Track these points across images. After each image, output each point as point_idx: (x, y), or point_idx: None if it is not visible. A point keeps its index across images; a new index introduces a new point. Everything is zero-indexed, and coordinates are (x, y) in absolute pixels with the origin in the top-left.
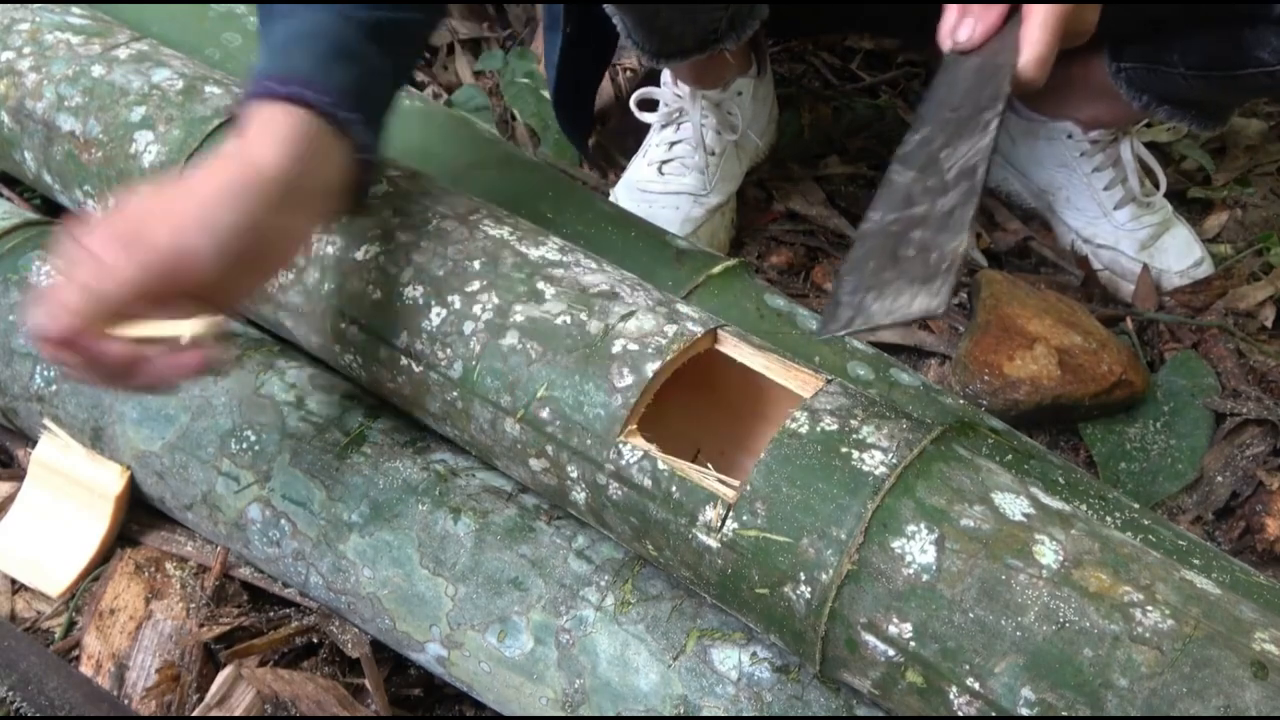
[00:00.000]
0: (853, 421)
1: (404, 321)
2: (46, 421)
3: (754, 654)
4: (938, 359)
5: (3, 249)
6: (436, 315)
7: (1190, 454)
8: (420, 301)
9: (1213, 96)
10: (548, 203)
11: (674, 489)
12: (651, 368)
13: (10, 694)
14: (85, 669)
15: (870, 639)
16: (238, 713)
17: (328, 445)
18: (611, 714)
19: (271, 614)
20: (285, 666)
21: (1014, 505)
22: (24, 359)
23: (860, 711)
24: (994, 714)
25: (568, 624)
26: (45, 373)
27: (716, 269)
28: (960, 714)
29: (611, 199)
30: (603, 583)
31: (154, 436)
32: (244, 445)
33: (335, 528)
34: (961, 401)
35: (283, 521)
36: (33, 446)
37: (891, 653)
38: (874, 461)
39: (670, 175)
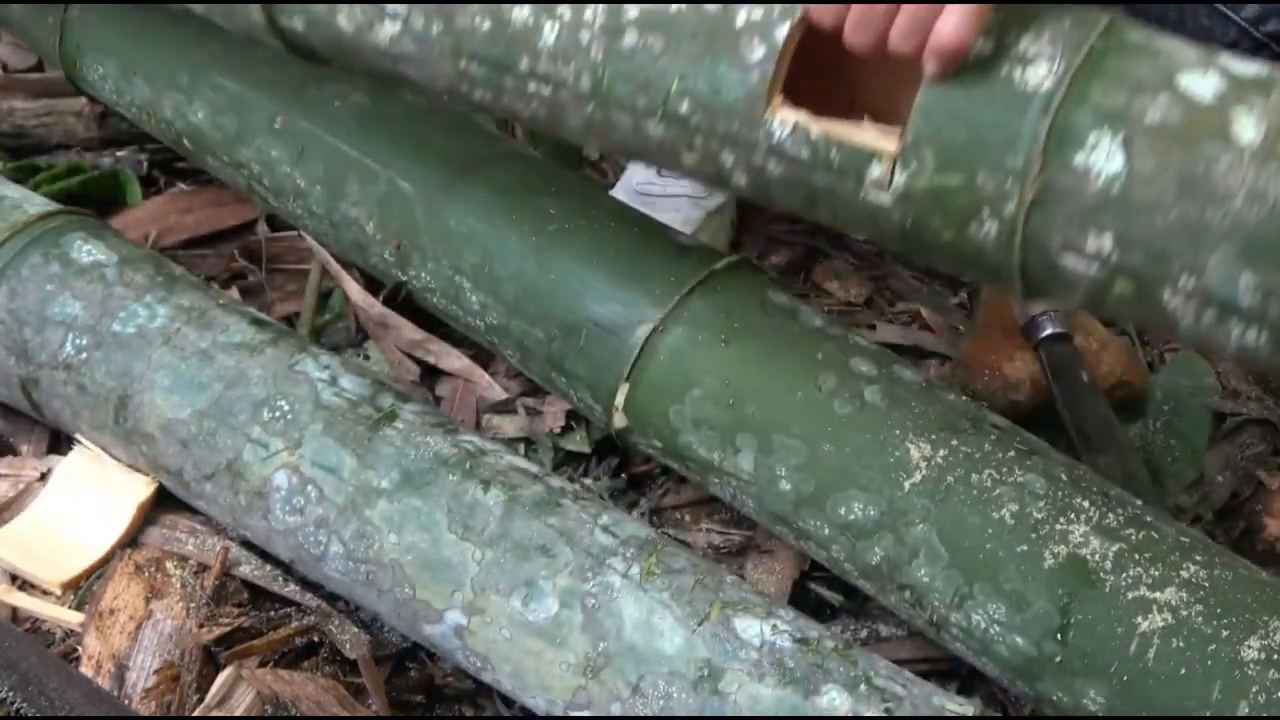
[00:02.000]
0: (1008, 37)
1: (520, 45)
2: (79, 437)
3: (775, 625)
4: (938, 359)
5: (46, 228)
6: (550, 31)
7: (1190, 454)
8: (530, 22)
9: None
10: (550, 198)
11: (833, 153)
12: (781, 32)
13: (10, 694)
14: (85, 669)
15: (1069, 260)
16: (238, 713)
17: (360, 419)
18: (634, 676)
19: (272, 614)
20: (285, 667)
21: (1202, 85)
22: (57, 327)
23: (878, 682)
24: (1216, 307)
25: (594, 589)
26: (77, 340)
27: (719, 264)
28: (1177, 313)
29: None
30: (628, 554)
31: (184, 404)
32: (276, 414)
33: (364, 493)
34: (965, 398)
35: (309, 488)
36: (40, 430)
37: (1094, 269)
38: (1039, 75)
39: (669, 178)
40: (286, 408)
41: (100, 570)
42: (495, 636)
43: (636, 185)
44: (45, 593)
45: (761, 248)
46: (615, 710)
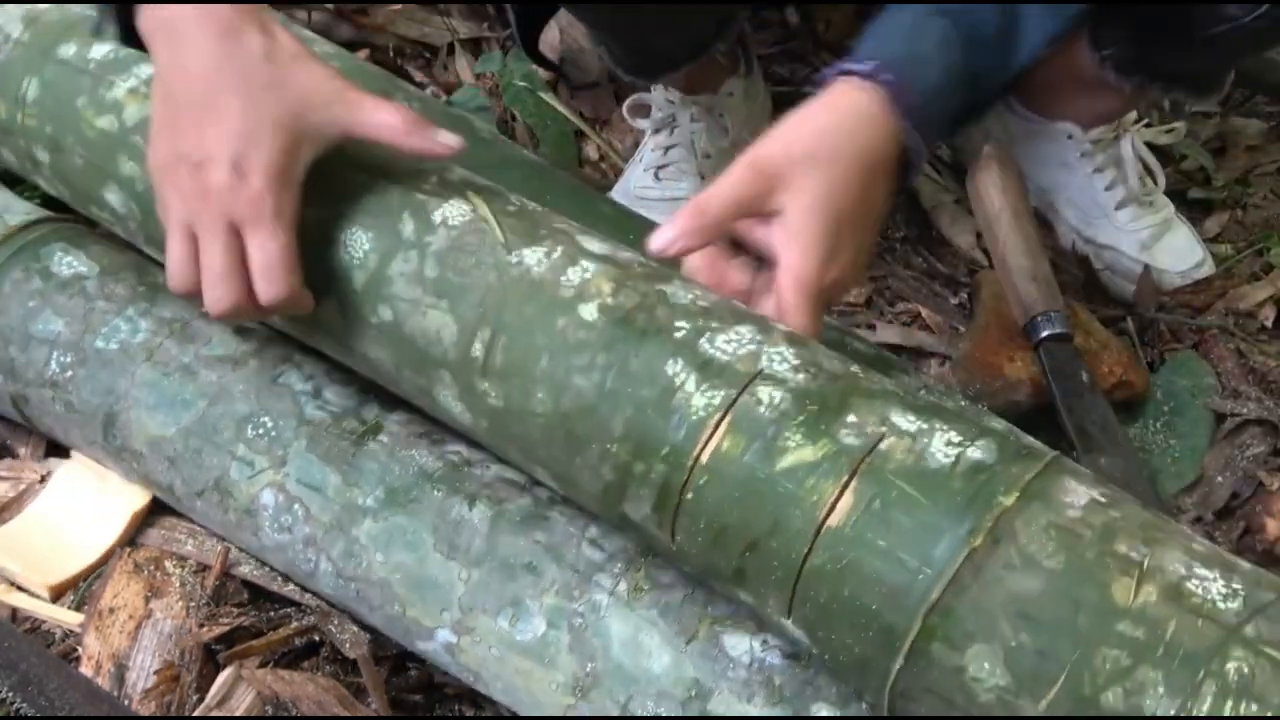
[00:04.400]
0: None
1: None
2: (74, 454)
3: (765, 641)
4: (938, 359)
5: (26, 240)
6: None
7: (1190, 454)
8: None
9: (1201, 65)
10: (547, 204)
11: None
12: None
13: (10, 694)
14: (85, 669)
15: None
16: (238, 713)
17: (344, 433)
18: (623, 697)
19: (272, 613)
20: (285, 667)
21: None
22: (41, 345)
23: (867, 698)
24: None
25: (581, 608)
26: (61, 358)
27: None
28: None
29: None
30: (615, 570)
31: (169, 422)
32: (260, 431)
33: (349, 512)
34: (964, 402)
35: (296, 506)
36: (36, 441)
37: None
38: None
39: (667, 181)
40: (270, 424)
41: (99, 571)
42: (485, 655)
43: (634, 189)
44: (36, 595)
45: None
46: None
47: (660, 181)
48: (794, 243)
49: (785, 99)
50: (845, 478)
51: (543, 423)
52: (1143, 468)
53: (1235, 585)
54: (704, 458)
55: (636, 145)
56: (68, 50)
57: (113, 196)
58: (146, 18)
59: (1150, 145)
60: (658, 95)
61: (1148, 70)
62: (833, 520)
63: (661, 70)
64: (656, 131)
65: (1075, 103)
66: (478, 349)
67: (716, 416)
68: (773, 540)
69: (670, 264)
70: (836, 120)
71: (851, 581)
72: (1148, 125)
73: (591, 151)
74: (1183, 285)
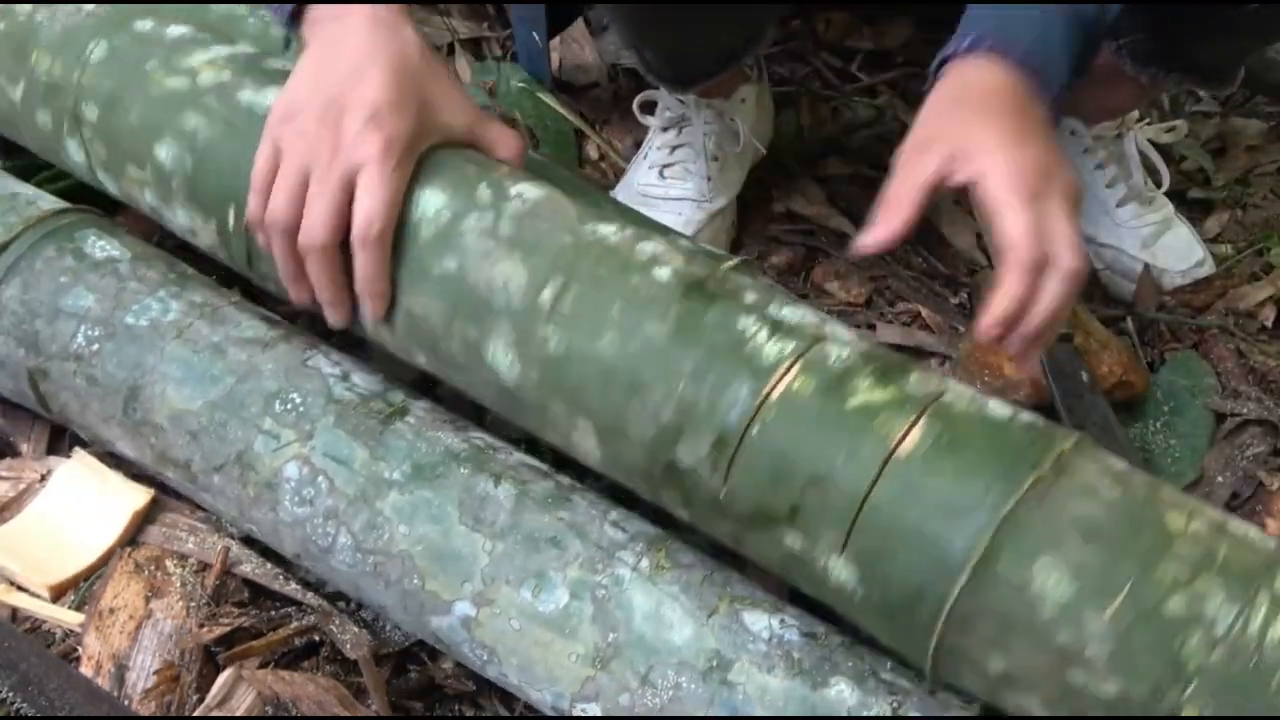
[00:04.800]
0: None
1: None
2: (77, 449)
3: (783, 620)
4: (938, 359)
5: (60, 223)
6: None
7: (1190, 454)
8: None
9: (1217, 54)
10: None
11: None
12: None
13: (10, 694)
14: (85, 669)
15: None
16: (238, 714)
17: (372, 412)
18: (643, 667)
19: (272, 613)
20: (286, 667)
21: None
22: (69, 319)
23: (886, 676)
24: None
25: (604, 581)
26: (89, 332)
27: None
28: None
29: None
30: (638, 549)
31: (195, 396)
32: (288, 406)
33: (375, 485)
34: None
35: (320, 479)
36: (41, 430)
37: None
38: None
39: (672, 180)
40: (299, 400)
41: (99, 571)
42: (504, 628)
43: (638, 186)
44: (35, 594)
45: (762, 248)
46: (624, 700)
47: (665, 180)
48: (979, 152)
49: (785, 99)
50: (914, 416)
51: (606, 365)
52: (1143, 468)
53: (1267, 535)
54: (774, 395)
55: (636, 145)
56: (144, 25)
57: (164, 151)
58: (317, 7)
59: (1151, 144)
60: (667, 95)
61: (1164, 59)
62: (901, 450)
63: (697, 78)
64: (664, 130)
65: (1084, 97)
66: (547, 295)
67: (788, 361)
68: (837, 471)
69: None
70: (952, 83)
71: (917, 507)
72: (1148, 123)
73: (591, 151)
74: (1183, 285)
